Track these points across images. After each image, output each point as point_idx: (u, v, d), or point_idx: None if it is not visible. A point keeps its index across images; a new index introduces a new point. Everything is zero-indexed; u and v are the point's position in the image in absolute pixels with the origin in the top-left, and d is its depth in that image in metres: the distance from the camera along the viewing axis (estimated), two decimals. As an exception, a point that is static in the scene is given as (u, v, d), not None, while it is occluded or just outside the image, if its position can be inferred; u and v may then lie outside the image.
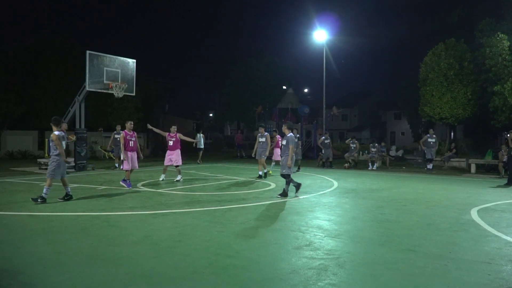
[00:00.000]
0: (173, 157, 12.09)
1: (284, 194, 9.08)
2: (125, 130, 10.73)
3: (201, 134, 21.53)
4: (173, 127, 12.44)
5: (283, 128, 9.41)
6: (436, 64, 20.85)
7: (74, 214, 7.00)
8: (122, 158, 10.72)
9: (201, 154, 20.67)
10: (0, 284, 3.79)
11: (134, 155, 10.69)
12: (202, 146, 21.02)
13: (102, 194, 9.39)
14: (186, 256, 4.69)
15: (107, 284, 3.81)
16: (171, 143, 12.18)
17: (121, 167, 11.37)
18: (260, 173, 13.26)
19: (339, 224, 6.50)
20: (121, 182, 10.69)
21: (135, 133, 10.90)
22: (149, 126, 12.41)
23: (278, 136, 14.25)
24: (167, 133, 12.39)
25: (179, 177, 12.16)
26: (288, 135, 9.10)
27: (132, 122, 11.02)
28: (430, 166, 16.29)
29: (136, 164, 10.81)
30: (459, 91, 20.48)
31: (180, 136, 12.37)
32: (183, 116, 48.85)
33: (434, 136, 16.54)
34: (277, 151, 13.68)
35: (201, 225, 6.30)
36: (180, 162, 12.21)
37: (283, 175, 9.15)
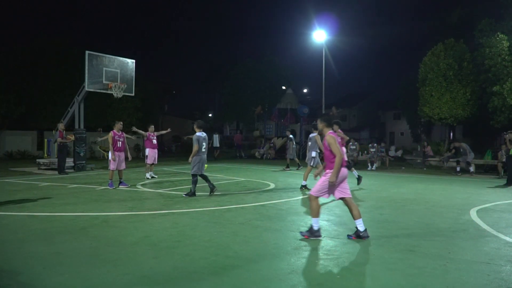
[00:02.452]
0: (157, 155, 12.85)
1: (191, 193, 9.01)
2: (114, 130, 10.76)
3: (217, 135, 24.27)
4: (151, 126, 12.94)
5: (194, 126, 9.25)
6: (436, 65, 20.84)
7: (73, 215, 7.01)
8: (110, 158, 10.68)
9: (218, 152, 24.23)
10: (-1, 284, 3.78)
11: (122, 155, 10.76)
12: (218, 145, 24.28)
13: (101, 195, 9.38)
14: (185, 256, 4.69)
15: (106, 285, 3.81)
16: (154, 141, 12.74)
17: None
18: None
19: (338, 225, 6.50)
20: (120, 186, 10.69)
21: (124, 134, 10.98)
22: (134, 129, 12.89)
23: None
24: (147, 133, 12.72)
25: (151, 174, 12.87)
26: (196, 134, 9.02)
27: (121, 123, 11.13)
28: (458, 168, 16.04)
29: (124, 164, 10.85)
30: (458, 92, 20.47)
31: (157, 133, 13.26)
32: (183, 117, 48.86)
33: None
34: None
35: (200, 225, 6.30)
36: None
37: (192, 174, 9.17)
